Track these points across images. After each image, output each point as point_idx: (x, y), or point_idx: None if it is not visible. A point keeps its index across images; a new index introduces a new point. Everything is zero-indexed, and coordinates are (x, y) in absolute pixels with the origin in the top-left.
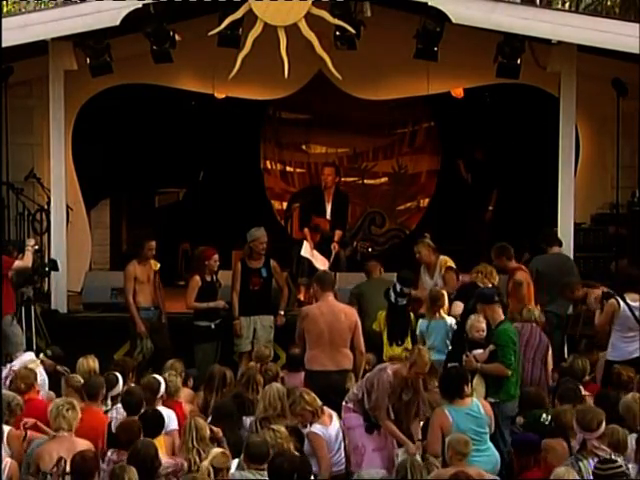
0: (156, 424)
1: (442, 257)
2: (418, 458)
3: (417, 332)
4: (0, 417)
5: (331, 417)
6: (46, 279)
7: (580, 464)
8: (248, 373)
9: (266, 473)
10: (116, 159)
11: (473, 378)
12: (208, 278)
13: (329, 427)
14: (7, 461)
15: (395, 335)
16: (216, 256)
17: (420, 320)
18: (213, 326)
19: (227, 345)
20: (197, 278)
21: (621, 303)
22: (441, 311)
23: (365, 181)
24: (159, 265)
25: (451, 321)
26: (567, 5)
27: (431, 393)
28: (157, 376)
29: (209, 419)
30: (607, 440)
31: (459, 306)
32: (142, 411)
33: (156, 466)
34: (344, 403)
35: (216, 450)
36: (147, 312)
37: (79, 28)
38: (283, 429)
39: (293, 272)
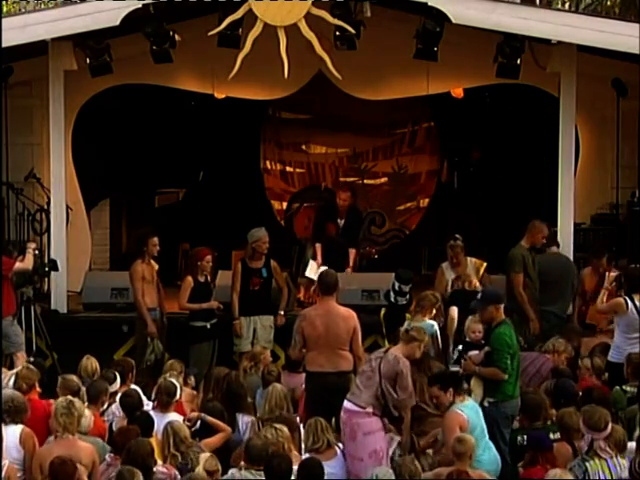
0: (146, 426)
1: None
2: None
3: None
4: (0, 417)
5: (334, 454)
6: (46, 279)
7: (587, 464)
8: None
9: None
10: (116, 159)
11: (470, 380)
12: (201, 279)
13: (324, 463)
14: (5, 463)
15: (392, 334)
16: (209, 257)
17: (406, 321)
18: (209, 326)
19: (227, 345)
20: (190, 279)
21: (629, 304)
22: (426, 314)
23: (365, 181)
24: (157, 266)
25: (434, 324)
26: (567, 5)
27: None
28: (173, 380)
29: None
30: (613, 441)
31: (454, 310)
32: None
33: (149, 464)
34: (359, 409)
35: (205, 455)
36: (154, 313)
37: (79, 28)
38: (285, 429)
39: (293, 272)
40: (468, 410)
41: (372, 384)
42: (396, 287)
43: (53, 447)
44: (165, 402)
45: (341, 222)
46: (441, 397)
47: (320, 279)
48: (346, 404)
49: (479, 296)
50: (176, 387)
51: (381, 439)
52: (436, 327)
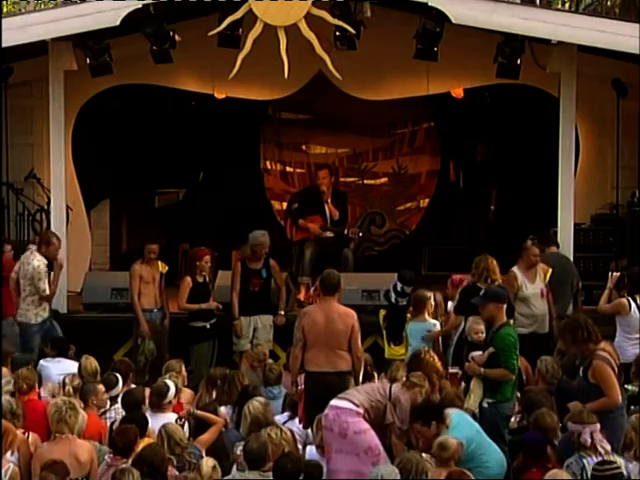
0: (141, 426)
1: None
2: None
3: (404, 334)
4: (0, 417)
5: None
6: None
7: (584, 461)
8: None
9: (268, 474)
10: (116, 159)
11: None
12: (200, 279)
13: None
14: (10, 465)
15: (393, 335)
16: (207, 257)
17: (407, 323)
18: (208, 326)
19: (227, 345)
20: (188, 279)
21: (632, 305)
22: (425, 313)
23: (365, 181)
24: (167, 268)
25: (436, 323)
26: (567, 5)
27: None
28: (168, 381)
29: None
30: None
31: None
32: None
33: (164, 471)
34: (352, 406)
35: (206, 459)
36: (150, 314)
37: (79, 28)
38: (289, 433)
39: (293, 272)
40: (458, 431)
41: (373, 395)
42: (398, 288)
43: (53, 447)
44: (154, 403)
45: (327, 209)
46: (425, 432)
47: (322, 279)
48: (335, 402)
49: (481, 292)
50: (168, 388)
51: (373, 437)
52: (438, 326)
